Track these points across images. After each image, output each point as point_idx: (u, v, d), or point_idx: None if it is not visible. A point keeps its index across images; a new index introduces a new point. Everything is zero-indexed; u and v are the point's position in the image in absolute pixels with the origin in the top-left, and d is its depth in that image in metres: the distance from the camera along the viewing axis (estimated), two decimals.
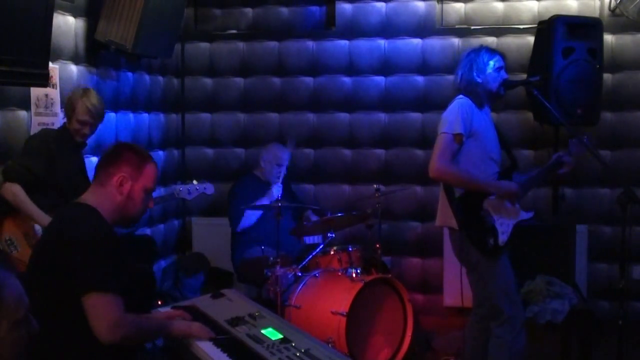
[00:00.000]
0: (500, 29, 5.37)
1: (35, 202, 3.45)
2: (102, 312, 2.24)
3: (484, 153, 3.51)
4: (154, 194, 2.85)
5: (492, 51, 3.57)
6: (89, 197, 2.47)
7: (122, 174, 2.45)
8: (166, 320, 2.60)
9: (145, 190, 2.50)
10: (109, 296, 2.25)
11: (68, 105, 3.71)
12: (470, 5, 5.51)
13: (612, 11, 5.12)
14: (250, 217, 4.74)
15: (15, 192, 3.38)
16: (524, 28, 5.33)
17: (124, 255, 2.42)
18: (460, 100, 3.51)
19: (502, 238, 3.45)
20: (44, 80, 3.52)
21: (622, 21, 5.09)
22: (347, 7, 5.58)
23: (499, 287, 3.48)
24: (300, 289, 4.16)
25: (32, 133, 3.90)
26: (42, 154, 3.53)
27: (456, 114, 3.44)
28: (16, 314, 1.42)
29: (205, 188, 4.29)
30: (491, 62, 3.51)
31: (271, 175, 4.96)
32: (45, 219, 3.36)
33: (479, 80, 3.49)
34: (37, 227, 3.43)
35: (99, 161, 2.56)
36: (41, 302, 2.28)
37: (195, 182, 4.31)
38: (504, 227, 3.46)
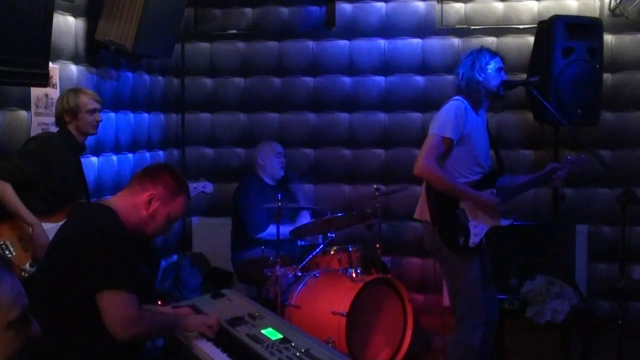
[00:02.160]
0: (500, 29, 5.37)
1: (29, 204, 3.44)
2: (118, 309, 2.25)
3: (471, 158, 3.53)
4: None
5: (492, 52, 3.61)
6: (114, 201, 2.49)
7: (154, 192, 2.47)
8: (179, 315, 2.61)
9: (169, 216, 2.51)
10: (124, 294, 2.27)
11: (71, 106, 3.67)
12: (470, 5, 5.51)
13: (612, 11, 5.12)
14: (273, 232, 4.58)
15: (5, 189, 3.35)
16: (524, 28, 5.33)
17: (134, 257, 2.43)
18: (456, 102, 3.52)
19: (474, 240, 3.46)
20: (44, 80, 3.52)
21: (622, 21, 5.09)
22: (347, 7, 5.58)
23: (461, 287, 3.53)
24: (300, 288, 4.16)
25: (32, 133, 3.90)
26: (38, 158, 3.50)
27: (450, 117, 3.46)
28: (9, 314, 1.39)
29: (204, 187, 4.30)
30: (492, 63, 3.53)
31: (274, 169, 4.96)
32: (32, 217, 3.35)
33: (480, 78, 3.50)
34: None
35: (138, 172, 2.60)
36: (52, 298, 2.28)
37: (194, 181, 4.31)
38: (477, 229, 3.48)
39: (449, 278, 3.60)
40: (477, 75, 3.50)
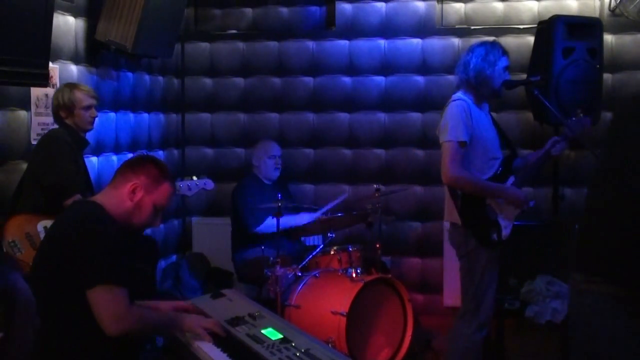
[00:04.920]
0: (500, 29, 5.37)
1: (38, 202, 3.45)
2: (108, 305, 2.25)
3: (486, 154, 3.51)
4: None
5: (504, 50, 3.57)
6: (100, 197, 2.50)
7: (137, 182, 2.47)
8: (177, 314, 2.60)
9: (154, 205, 2.50)
10: (114, 289, 2.27)
11: (66, 102, 3.69)
12: (470, 5, 5.51)
13: (612, 11, 5.12)
14: (271, 224, 4.56)
15: None
16: (524, 28, 5.33)
17: (127, 252, 2.43)
18: (457, 102, 3.49)
19: (505, 232, 3.49)
20: (44, 80, 3.52)
21: (622, 21, 5.09)
22: (347, 7, 5.58)
23: (478, 282, 3.49)
24: (300, 289, 4.16)
25: (32, 133, 3.91)
26: (72, 158, 3.58)
27: (458, 120, 3.43)
28: (27, 314, 1.44)
29: (205, 183, 4.29)
30: (502, 60, 3.52)
31: (267, 169, 4.96)
32: None
33: (488, 72, 3.48)
34: (40, 228, 3.43)
35: (120, 165, 2.59)
36: (46, 296, 2.29)
37: (194, 178, 4.32)
38: (506, 222, 3.49)
39: (468, 271, 3.53)
40: (487, 70, 3.48)
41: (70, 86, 3.77)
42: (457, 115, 3.44)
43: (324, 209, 4.84)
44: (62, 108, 3.70)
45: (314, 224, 4.61)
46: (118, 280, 2.28)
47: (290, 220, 4.67)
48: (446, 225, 3.69)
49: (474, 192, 3.46)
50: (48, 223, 3.41)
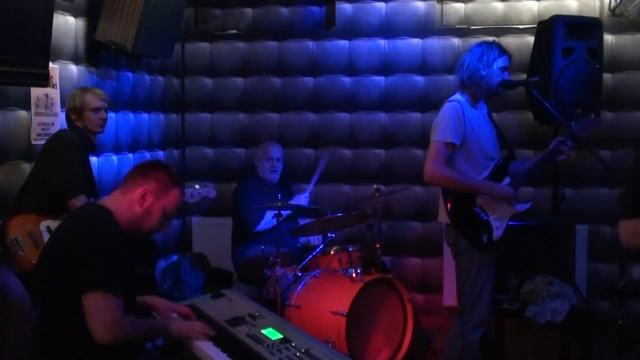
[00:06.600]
0: (500, 29, 5.37)
1: (44, 203, 3.47)
2: (100, 312, 2.24)
3: (481, 155, 3.51)
4: None
5: (502, 50, 3.56)
6: (108, 201, 2.49)
7: (147, 187, 2.47)
8: (165, 321, 2.60)
9: (164, 211, 2.50)
10: (109, 297, 2.26)
11: (76, 105, 3.75)
12: (470, 5, 5.51)
13: (612, 11, 5.12)
14: (270, 219, 4.64)
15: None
16: (524, 28, 5.33)
17: (129, 257, 2.43)
18: (451, 104, 3.50)
19: (497, 233, 3.47)
20: (44, 80, 3.53)
21: (622, 21, 5.09)
22: (347, 7, 5.58)
23: (473, 282, 3.49)
24: (300, 289, 4.16)
25: (32, 133, 3.91)
26: (77, 159, 3.61)
27: (448, 121, 3.44)
28: (21, 312, 1.45)
29: (207, 192, 4.30)
30: (499, 60, 3.51)
31: (264, 171, 4.97)
32: None
33: (483, 73, 3.48)
34: (42, 228, 3.44)
35: (130, 170, 2.59)
36: (46, 295, 2.29)
37: (197, 186, 4.32)
38: (498, 222, 3.47)
39: (462, 271, 3.54)
40: (482, 70, 3.47)
41: (82, 89, 3.85)
42: (448, 116, 3.46)
43: (313, 182, 4.96)
44: (72, 110, 3.77)
45: (314, 224, 4.61)
46: (114, 289, 2.27)
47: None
48: (443, 225, 3.69)
49: (456, 188, 3.45)
50: (51, 223, 3.43)
